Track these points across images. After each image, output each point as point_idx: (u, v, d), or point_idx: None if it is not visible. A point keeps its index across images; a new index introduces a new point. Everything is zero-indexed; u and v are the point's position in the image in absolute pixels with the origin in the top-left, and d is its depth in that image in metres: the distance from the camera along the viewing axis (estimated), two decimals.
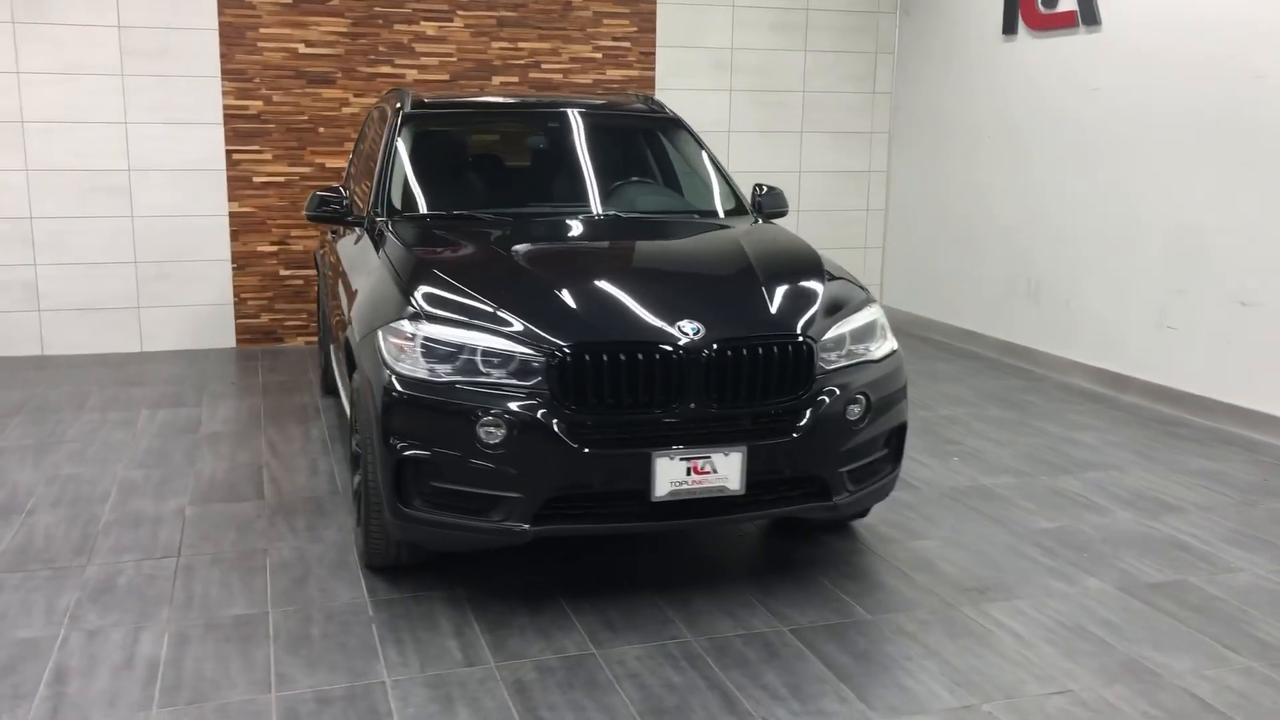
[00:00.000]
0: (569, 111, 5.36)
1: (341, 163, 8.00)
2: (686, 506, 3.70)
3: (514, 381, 3.60)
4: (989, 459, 5.65)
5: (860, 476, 3.99)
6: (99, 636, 3.61)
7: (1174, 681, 3.40)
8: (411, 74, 8.20)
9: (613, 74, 8.64)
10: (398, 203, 4.88)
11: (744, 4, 8.87)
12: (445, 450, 3.60)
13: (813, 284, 4.15)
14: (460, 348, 3.65)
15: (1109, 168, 7.11)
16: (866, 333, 4.08)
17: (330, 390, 6.39)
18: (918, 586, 4.08)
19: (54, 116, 7.54)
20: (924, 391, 7.06)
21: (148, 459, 5.48)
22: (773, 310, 3.90)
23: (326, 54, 8.00)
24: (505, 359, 3.62)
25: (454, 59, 8.27)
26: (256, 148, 7.97)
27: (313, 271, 7.91)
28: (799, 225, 9.27)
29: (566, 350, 3.58)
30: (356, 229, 4.96)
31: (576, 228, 4.80)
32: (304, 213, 4.98)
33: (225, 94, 7.85)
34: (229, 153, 7.92)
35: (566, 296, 3.81)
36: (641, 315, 3.76)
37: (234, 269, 8.07)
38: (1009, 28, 7.99)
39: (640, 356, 3.60)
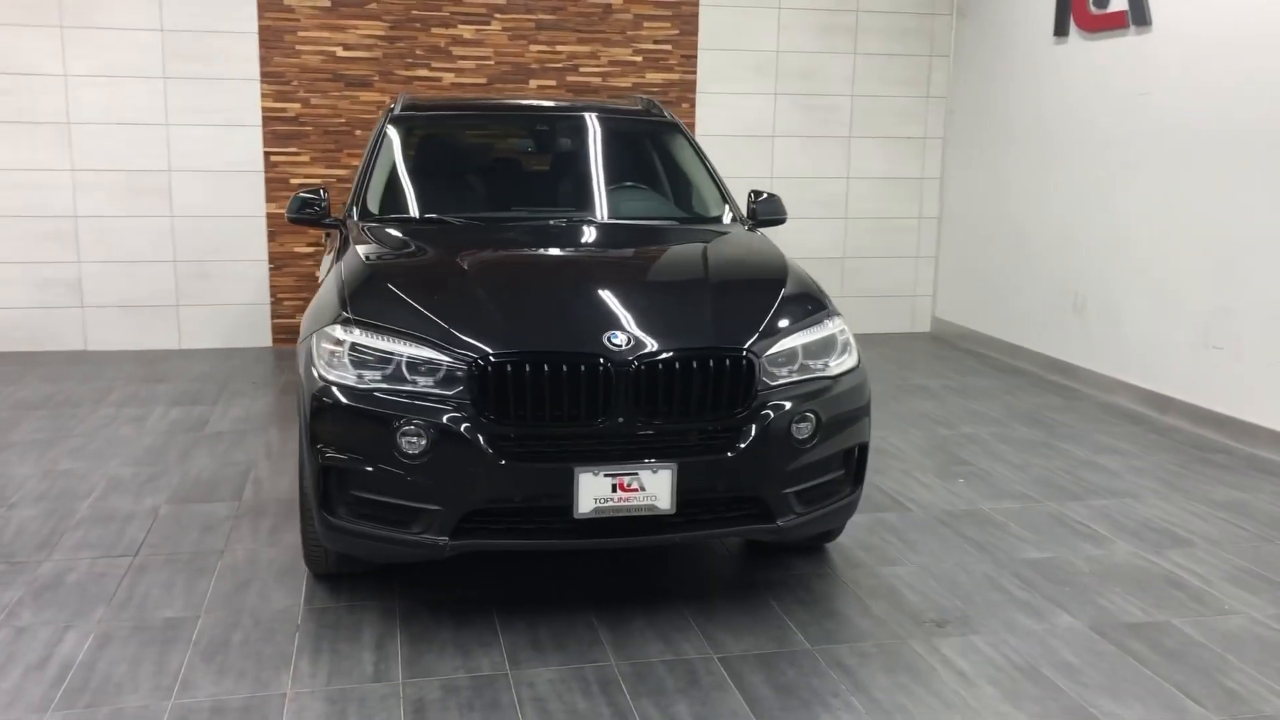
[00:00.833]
0: (559, 115, 5.27)
1: None
2: (614, 524, 3.56)
3: (438, 391, 3.51)
4: (997, 482, 5.37)
5: (811, 498, 3.79)
6: (25, 634, 3.63)
7: None
8: (448, 77, 8.21)
9: (652, 77, 8.52)
10: (373, 205, 4.85)
11: (790, 6, 8.67)
12: (368, 459, 3.52)
13: (767, 296, 3.97)
14: (389, 355, 3.57)
15: (1155, 177, 6.72)
16: (823, 348, 3.88)
17: None
18: (872, 616, 3.87)
19: (98, 118, 7.74)
20: (951, 408, 6.77)
21: (144, 456, 5.55)
22: (714, 323, 3.73)
23: (364, 57, 8.06)
24: (432, 368, 3.53)
25: (491, 62, 8.25)
26: (294, 150, 8.07)
27: None
28: (846, 232, 9.05)
29: (485, 360, 3.47)
30: (336, 231, 4.94)
31: (542, 234, 4.69)
32: (284, 214, 4.98)
33: (264, 96, 7.96)
34: (267, 154, 8.03)
35: (499, 305, 3.71)
36: (570, 326, 3.64)
37: (270, 269, 8.18)
38: (1060, 29, 7.63)
39: (564, 368, 3.48)
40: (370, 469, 3.52)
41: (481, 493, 3.48)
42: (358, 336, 3.62)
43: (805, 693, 3.34)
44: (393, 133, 5.13)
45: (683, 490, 3.54)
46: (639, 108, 5.58)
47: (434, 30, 8.13)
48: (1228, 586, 4.17)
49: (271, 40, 7.90)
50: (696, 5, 8.52)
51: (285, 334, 8.27)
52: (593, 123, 5.32)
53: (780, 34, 8.70)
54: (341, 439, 3.57)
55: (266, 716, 3.16)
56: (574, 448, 3.51)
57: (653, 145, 5.40)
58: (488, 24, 8.20)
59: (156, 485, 5.12)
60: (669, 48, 8.54)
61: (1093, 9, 7.27)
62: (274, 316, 8.26)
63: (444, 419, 3.46)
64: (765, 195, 5.23)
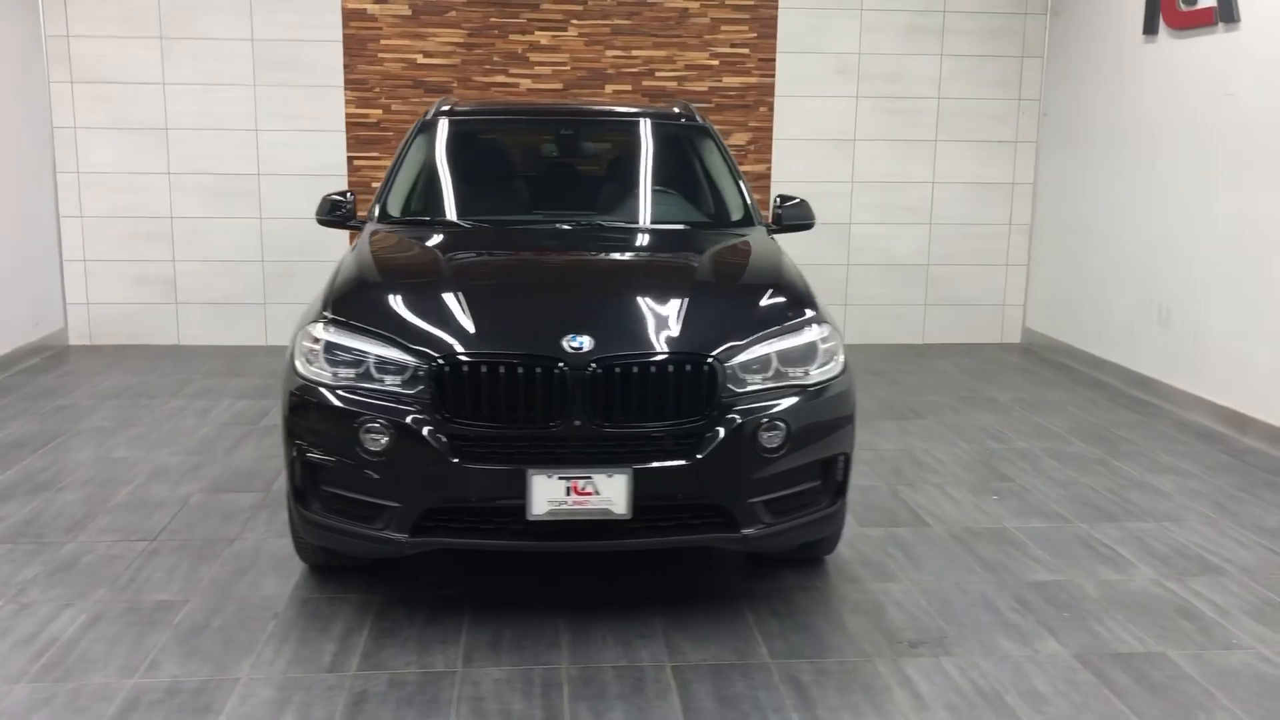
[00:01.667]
0: (582, 119, 5.29)
1: None
2: (572, 528, 3.56)
3: (403, 391, 3.58)
4: (1033, 499, 5.14)
5: (782, 509, 3.71)
6: (27, 610, 3.85)
7: None
8: (525, 83, 8.33)
9: (729, 81, 8.47)
10: (393, 209, 4.97)
11: (872, 7, 8.49)
12: (337, 455, 3.62)
13: (748, 302, 3.92)
14: (361, 355, 3.66)
15: (1240, 182, 6.33)
16: (803, 355, 3.79)
17: None
18: (845, 633, 3.76)
19: (193, 124, 8.14)
20: (1013, 422, 6.52)
21: (196, 446, 5.81)
22: (683, 328, 3.69)
23: (443, 64, 8.25)
24: (399, 368, 3.60)
25: (567, 68, 8.34)
26: (375, 154, 8.31)
27: None
28: (931, 239, 8.82)
29: (441, 360, 3.52)
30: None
31: (544, 238, 4.71)
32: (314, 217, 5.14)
33: (347, 103, 8.23)
34: (350, 159, 8.30)
35: (467, 307, 3.75)
36: (529, 328, 3.66)
37: None
38: (1150, 27, 7.26)
39: (520, 370, 3.50)
40: (339, 465, 3.61)
41: (439, 491, 3.53)
42: (333, 335, 3.72)
43: (747, 705, 3.27)
44: (419, 138, 5.25)
45: (639, 496, 3.51)
46: (669, 111, 5.55)
47: (511, 37, 8.26)
48: (1245, 619, 3.90)
49: (355, 48, 8.17)
50: (775, 8, 8.43)
51: None
52: (617, 126, 5.32)
53: (863, 36, 8.53)
54: (315, 435, 3.67)
55: (211, 700, 3.27)
56: (529, 450, 3.53)
57: (679, 149, 5.37)
58: (564, 30, 8.29)
59: (197, 474, 5.35)
60: (746, 51, 8.46)
61: (1181, 6, 6.90)
62: None
63: (405, 419, 3.52)
64: (795, 200, 5.14)
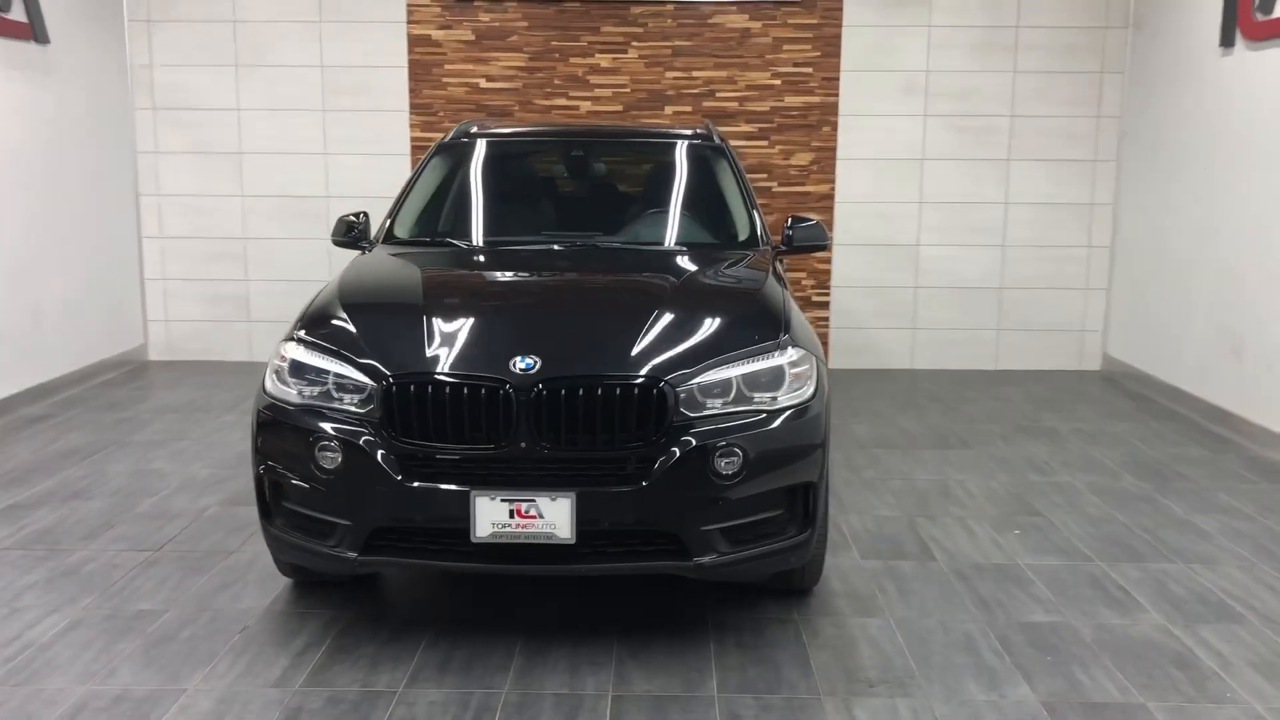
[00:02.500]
0: (594, 140, 5.26)
1: None
2: (520, 551, 3.52)
3: (357, 411, 3.61)
4: (1057, 536, 4.88)
5: (740, 538, 3.60)
6: (16, 614, 4.00)
7: None
8: (585, 105, 8.36)
9: (791, 100, 8.34)
10: (400, 230, 5.03)
11: (941, 24, 8.26)
12: (293, 472, 3.66)
13: (716, 325, 3.82)
14: (323, 373, 3.70)
15: None
16: (770, 380, 3.67)
17: None
18: (804, 669, 3.62)
19: (266, 148, 8.42)
20: (1065, 454, 6.21)
21: (231, 460, 5.97)
22: (639, 350, 3.62)
23: (505, 88, 8.35)
24: (356, 387, 3.63)
25: (627, 90, 8.35)
26: None
27: None
28: (1004, 261, 8.52)
29: (391, 378, 3.54)
30: None
31: (534, 260, 4.69)
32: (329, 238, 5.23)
33: (412, 127, 8.40)
34: None
35: (428, 328, 3.75)
36: (477, 349, 3.65)
37: None
38: (1226, 39, 6.87)
39: (465, 390, 3.48)
40: (297, 482, 3.66)
41: (386, 511, 3.54)
42: (299, 354, 3.77)
43: None
44: (433, 160, 5.30)
45: (584, 520, 3.46)
46: (683, 131, 5.48)
47: (572, 60, 8.32)
48: (1248, 672, 3.61)
49: (420, 74, 8.34)
50: (839, 26, 8.28)
51: None
52: (627, 147, 5.29)
53: (930, 53, 8.30)
54: (277, 451, 3.72)
55: (155, 709, 3.33)
56: (474, 471, 3.51)
57: (690, 169, 5.29)
58: (624, 52, 8.30)
59: (221, 488, 5.50)
60: (809, 70, 8.33)
61: (1257, 15, 6.52)
62: None
63: (358, 439, 3.54)
64: (808, 221, 5.03)
